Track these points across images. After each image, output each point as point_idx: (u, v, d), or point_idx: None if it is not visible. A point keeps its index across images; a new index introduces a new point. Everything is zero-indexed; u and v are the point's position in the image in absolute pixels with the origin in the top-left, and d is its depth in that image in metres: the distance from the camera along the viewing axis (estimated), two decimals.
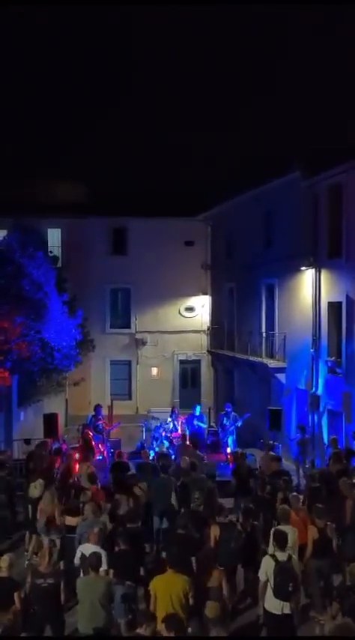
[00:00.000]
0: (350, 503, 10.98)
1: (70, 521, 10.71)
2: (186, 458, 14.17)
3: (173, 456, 16.67)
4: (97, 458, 17.17)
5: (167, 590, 7.88)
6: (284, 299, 21.19)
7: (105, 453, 17.77)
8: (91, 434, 18.35)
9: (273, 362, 21.37)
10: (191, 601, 7.90)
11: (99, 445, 18.01)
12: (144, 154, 32.72)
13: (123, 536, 9.23)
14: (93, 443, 17.94)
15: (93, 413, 19.34)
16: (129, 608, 8.68)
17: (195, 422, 19.64)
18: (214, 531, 9.79)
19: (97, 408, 19.41)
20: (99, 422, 18.76)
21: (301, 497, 11.45)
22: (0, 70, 39.31)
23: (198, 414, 20.00)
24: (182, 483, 12.44)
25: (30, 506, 11.98)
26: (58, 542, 10.92)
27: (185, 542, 9.31)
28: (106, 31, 41.65)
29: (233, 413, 19.41)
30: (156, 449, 18.43)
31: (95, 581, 8.16)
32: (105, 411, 20.64)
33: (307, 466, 16.76)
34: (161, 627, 7.60)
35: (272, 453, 15.05)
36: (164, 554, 9.94)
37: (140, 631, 6.98)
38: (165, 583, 7.97)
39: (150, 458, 16.00)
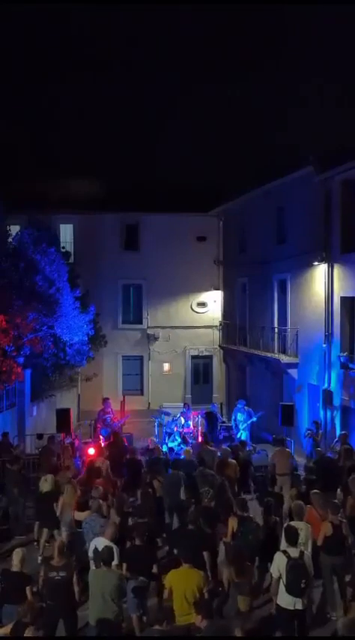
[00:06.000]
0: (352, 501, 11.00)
1: (79, 516, 10.75)
2: (190, 451, 14.14)
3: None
4: None
5: (182, 584, 7.91)
6: (297, 294, 21.11)
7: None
8: (100, 427, 18.48)
9: (286, 357, 21.32)
10: (206, 596, 7.91)
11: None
12: (156, 149, 32.65)
13: (138, 530, 9.27)
14: (101, 436, 18.07)
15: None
16: (141, 604, 8.72)
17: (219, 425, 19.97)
18: (232, 524, 9.80)
19: (105, 401, 19.52)
20: (107, 415, 18.88)
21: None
22: (11, 66, 39.36)
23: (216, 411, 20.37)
24: (191, 478, 12.47)
25: (40, 501, 12.05)
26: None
27: (196, 538, 9.33)
28: (118, 26, 41.64)
29: (247, 408, 19.49)
30: (169, 444, 18.52)
31: (107, 575, 8.19)
32: (117, 407, 20.75)
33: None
34: (180, 620, 7.64)
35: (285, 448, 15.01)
36: (175, 551, 9.96)
37: (158, 627, 7.00)
38: (180, 577, 8.00)
39: (163, 453, 16.05)
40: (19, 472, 13.38)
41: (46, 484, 11.90)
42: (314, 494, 10.68)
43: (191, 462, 13.62)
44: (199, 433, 19.32)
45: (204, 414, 19.98)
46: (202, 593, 7.89)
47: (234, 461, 13.78)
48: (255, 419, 19.38)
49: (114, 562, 8.41)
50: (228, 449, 14.78)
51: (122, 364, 28.58)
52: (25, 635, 6.80)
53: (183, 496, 11.95)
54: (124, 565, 8.80)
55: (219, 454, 14.37)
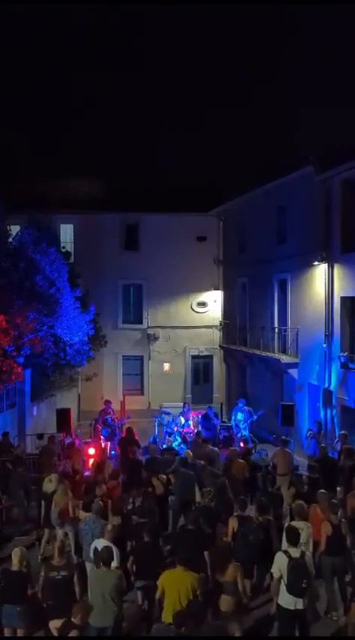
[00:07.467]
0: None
1: (83, 516, 10.75)
2: (190, 453, 14.05)
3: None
4: (110, 453, 17.29)
5: (175, 585, 7.88)
6: (297, 294, 21.10)
7: (117, 447, 17.85)
8: (100, 428, 18.49)
9: (286, 357, 21.31)
10: (200, 598, 7.88)
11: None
12: (156, 149, 32.67)
13: (145, 528, 9.30)
14: (102, 437, 18.08)
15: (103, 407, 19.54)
16: (143, 602, 8.74)
17: (219, 426, 19.96)
18: (232, 524, 9.79)
19: (107, 403, 19.55)
20: (108, 415, 18.90)
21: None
22: (11, 66, 39.36)
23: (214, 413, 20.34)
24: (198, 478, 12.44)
25: (44, 501, 12.04)
26: (70, 535, 11.08)
27: (196, 539, 9.32)
28: (118, 26, 41.64)
29: (247, 407, 19.47)
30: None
31: (107, 575, 8.19)
32: (117, 407, 20.75)
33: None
34: (167, 621, 7.63)
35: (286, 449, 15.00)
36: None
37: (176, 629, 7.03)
38: (173, 579, 7.98)
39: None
40: (22, 474, 13.36)
41: (49, 484, 11.89)
42: (321, 493, 10.63)
43: (194, 464, 13.46)
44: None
45: (202, 417, 19.90)
46: (196, 595, 7.86)
47: (242, 461, 13.77)
48: (255, 417, 19.39)
49: (114, 563, 8.41)
50: (236, 449, 14.76)
51: (122, 364, 28.57)
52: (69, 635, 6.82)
53: (198, 496, 11.83)
54: (131, 558, 8.85)
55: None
